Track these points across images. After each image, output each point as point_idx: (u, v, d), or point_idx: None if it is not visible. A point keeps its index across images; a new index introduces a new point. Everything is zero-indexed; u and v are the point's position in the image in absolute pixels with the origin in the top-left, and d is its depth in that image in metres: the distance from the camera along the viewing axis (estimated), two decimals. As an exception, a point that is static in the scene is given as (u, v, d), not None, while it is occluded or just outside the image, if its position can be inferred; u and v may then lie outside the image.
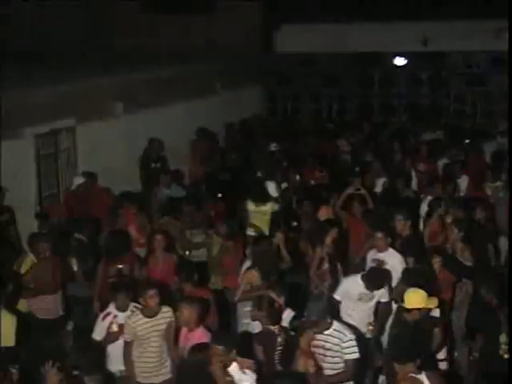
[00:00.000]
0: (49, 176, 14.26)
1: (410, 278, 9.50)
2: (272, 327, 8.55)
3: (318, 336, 8.09)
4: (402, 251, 10.59)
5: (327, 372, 8.11)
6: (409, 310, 8.65)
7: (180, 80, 17.86)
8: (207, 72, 19.32)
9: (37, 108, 13.50)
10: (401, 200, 13.23)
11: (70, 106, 14.24)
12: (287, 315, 8.92)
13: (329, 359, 8.09)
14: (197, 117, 17.82)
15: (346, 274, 10.74)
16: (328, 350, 8.07)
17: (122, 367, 8.80)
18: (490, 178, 13.97)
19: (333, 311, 8.56)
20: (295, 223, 12.36)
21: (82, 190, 13.48)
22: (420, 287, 8.78)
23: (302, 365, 8.05)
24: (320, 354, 8.10)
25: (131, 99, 15.92)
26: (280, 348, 8.46)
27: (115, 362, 8.86)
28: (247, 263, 10.55)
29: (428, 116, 20.13)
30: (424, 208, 12.85)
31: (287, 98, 22.26)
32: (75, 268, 10.86)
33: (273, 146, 16.84)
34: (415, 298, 8.67)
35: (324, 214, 12.34)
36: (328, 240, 10.97)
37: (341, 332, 8.08)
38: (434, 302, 8.80)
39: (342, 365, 8.07)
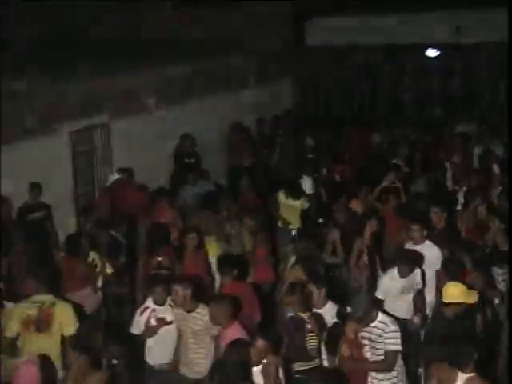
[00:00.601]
0: (84, 173, 14.34)
1: (450, 271, 9.53)
2: (302, 314, 8.64)
3: (365, 328, 8.15)
4: (437, 243, 10.58)
5: None
6: (447, 304, 8.61)
7: (213, 75, 17.92)
8: (240, 66, 19.41)
9: (72, 104, 13.62)
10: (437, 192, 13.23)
11: (105, 103, 14.34)
12: (329, 308, 8.96)
13: (374, 351, 8.13)
14: (230, 111, 17.89)
15: (384, 266, 10.77)
16: (373, 341, 8.11)
17: (162, 360, 8.95)
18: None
19: (377, 305, 8.57)
20: (321, 220, 12.36)
21: (117, 186, 13.52)
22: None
23: (344, 353, 8.17)
24: (369, 346, 8.16)
25: (165, 96, 16.00)
26: (311, 335, 8.54)
27: (154, 356, 8.99)
28: (292, 259, 10.67)
29: (461, 107, 19.97)
30: (460, 200, 12.82)
31: (319, 90, 22.12)
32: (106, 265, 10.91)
33: (308, 140, 16.80)
34: (454, 292, 8.60)
35: (355, 207, 12.43)
36: (367, 232, 11.04)
37: (385, 323, 8.10)
38: (474, 297, 8.66)
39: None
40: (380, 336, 8.07)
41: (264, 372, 7.48)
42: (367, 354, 8.20)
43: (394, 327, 8.12)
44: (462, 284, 8.71)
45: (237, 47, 19.97)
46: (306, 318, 8.64)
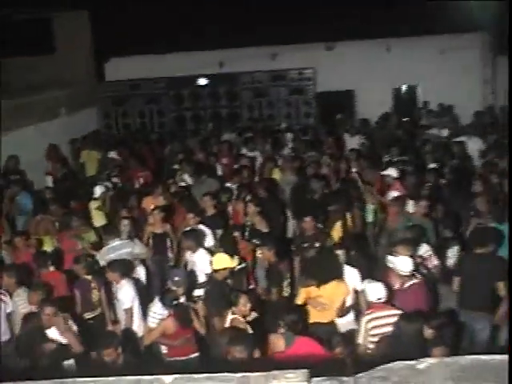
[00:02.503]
0: None
1: (221, 245, 9.91)
2: (87, 276, 9.25)
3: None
4: (210, 225, 10.89)
5: None
6: (217, 271, 8.90)
7: (32, 107, 17.43)
8: (54, 99, 18.98)
9: None
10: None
11: None
12: (124, 283, 9.01)
13: None
14: (48, 136, 17.39)
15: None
16: None
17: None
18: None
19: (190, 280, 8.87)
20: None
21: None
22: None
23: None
24: None
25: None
26: (94, 291, 9.17)
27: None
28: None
29: (227, 122, 20.41)
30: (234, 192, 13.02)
31: (119, 115, 21.97)
32: None
33: (112, 154, 16.57)
34: (221, 260, 8.97)
35: (148, 203, 12.40)
36: (153, 220, 11.19)
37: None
38: (236, 262, 9.19)
39: None
40: None
41: (57, 328, 7.64)
42: None
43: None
44: (226, 254, 9.08)
45: (52, 83, 19.62)
46: (89, 278, 9.23)
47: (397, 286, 8.27)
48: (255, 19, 19.62)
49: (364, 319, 7.68)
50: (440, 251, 9.67)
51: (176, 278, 8.47)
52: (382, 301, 7.71)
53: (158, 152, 17.51)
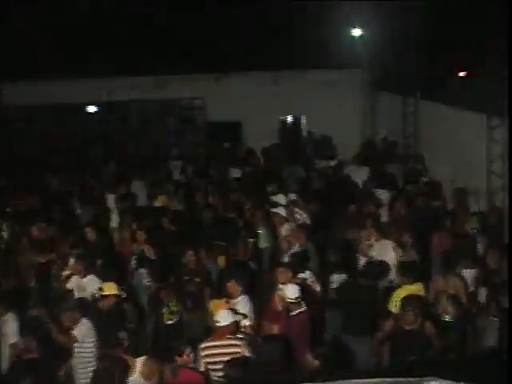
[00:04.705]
0: None
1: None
2: None
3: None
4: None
5: None
6: (104, 297, 8.81)
7: None
8: None
9: None
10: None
11: None
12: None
13: None
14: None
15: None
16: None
17: None
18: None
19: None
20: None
21: None
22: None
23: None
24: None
25: None
26: None
27: None
28: None
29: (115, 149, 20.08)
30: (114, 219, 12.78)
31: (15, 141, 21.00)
32: None
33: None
34: (108, 288, 8.92)
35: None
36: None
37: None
38: (115, 290, 8.94)
39: None
40: None
41: None
42: None
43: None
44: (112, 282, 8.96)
45: None
46: None
47: (280, 308, 8.34)
48: (145, 49, 19.57)
49: (200, 346, 7.61)
50: (324, 277, 9.83)
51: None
52: (226, 328, 7.63)
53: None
